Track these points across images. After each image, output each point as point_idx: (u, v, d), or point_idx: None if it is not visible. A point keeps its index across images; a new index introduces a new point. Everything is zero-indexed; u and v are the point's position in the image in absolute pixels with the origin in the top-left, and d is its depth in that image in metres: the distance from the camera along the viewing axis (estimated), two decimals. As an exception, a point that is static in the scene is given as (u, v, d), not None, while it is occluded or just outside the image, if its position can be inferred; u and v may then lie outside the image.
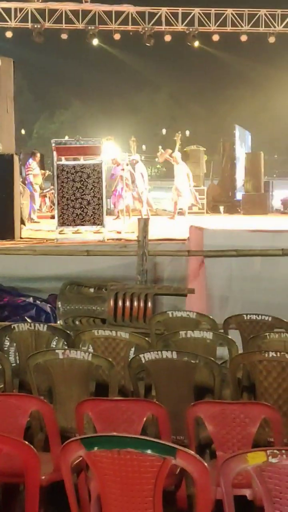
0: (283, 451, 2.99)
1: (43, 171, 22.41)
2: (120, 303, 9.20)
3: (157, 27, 24.99)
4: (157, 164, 59.57)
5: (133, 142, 20.11)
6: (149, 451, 3.09)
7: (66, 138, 25.31)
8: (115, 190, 19.08)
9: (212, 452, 4.61)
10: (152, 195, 27.54)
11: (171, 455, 3.07)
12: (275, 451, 3.00)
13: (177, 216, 18.91)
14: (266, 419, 4.42)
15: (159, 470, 3.11)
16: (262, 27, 25.08)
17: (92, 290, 9.62)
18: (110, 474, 3.20)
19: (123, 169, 16.85)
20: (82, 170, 12.58)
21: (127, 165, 17.32)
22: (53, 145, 13.17)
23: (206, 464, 3.12)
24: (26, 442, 3.36)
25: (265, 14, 24.95)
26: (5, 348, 6.71)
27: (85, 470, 4.23)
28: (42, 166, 23.42)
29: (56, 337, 6.69)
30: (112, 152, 19.26)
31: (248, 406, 4.41)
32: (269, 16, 24.95)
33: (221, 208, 25.54)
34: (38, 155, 21.26)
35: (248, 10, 25.19)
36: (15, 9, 24.43)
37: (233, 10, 25.14)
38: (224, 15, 25.06)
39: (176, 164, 19.73)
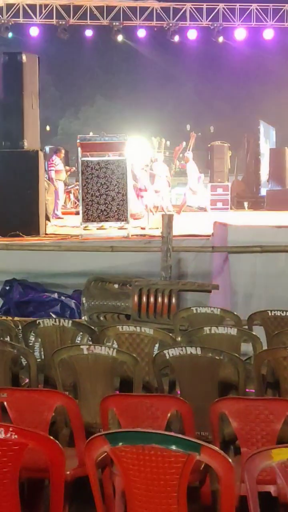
0: (308, 448, 2.99)
1: (68, 167, 22.47)
2: (144, 299, 9.21)
3: (181, 22, 24.96)
4: (182, 160, 59.54)
5: (157, 140, 20.04)
6: (173, 447, 3.09)
7: (91, 134, 25.39)
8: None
9: (236, 448, 4.61)
10: (176, 191, 27.48)
11: (196, 451, 3.08)
12: (299, 447, 3.00)
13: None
14: (290, 416, 4.41)
15: (184, 466, 3.12)
16: (287, 22, 24.95)
17: (116, 286, 9.65)
18: (135, 469, 3.21)
19: (142, 168, 16.83)
20: (106, 166, 12.59)
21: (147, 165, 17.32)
22: (78, 141, 13.21)
23: (230, 460, 3.12)
24: (51, 437, 3.38)
25: (290, 9, 24.85)
26: (30, 344, 6.76)
27: (110, 465, 4.25)
28: (66, 162, 23.48)
29: (81, 333, 6.72)
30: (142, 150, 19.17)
31: (272, 403, 4.40)
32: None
33: (246, 204, 25.46)
34: (63, 151, 21.31)
35: (273, 5, 25.06)
36: (40, 6, 24.51)
37: (258, 5, 25.04)
38: (249, 10, 24.97)
39: (186, 163, 19.59)
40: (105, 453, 3.34)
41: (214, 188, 24.03)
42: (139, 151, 18.34)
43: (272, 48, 30.65)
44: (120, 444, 3.19)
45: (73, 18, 24.73)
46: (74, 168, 22.34)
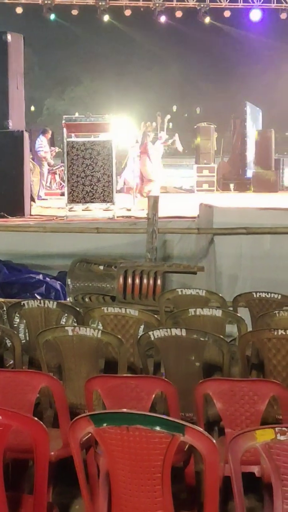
0: (292, 429, 3.00)
1: (52, 148, 22.37)
2: (129, 280, 9.21)
3: (168, 3, 24.82)
4: (168, 142, 59.34)
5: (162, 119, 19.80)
6: (157, 428, 3.10)
7: (77, 115, 25.26)
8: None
9: (220, 429, 4.63)
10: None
11: (180, 431, 3.08)
12: (283, 428, 3.01)
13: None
14: (274, 397, 4.43)
15: (168, 447, 3.12)
16: (274, 3, 24.86)
17: (101, 267, 9.63)
18: (119, 450, 3.22)
19: (132, 147, 16.78)
20: (92, 147, 12.54)
21: (137, 142, 17.26)
22: (63, 122, 13.14)
23: (214, 441, 3.13)
24: (35, 418, 3.37)
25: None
26: (15, 325, 6.74)
27: (94, 446, 4.25)
28: (52, 143, 23.37)
29: (66, 314, 6.72)
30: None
31: (256, 384, 4.42)
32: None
33: (232, 185, 25.46)
34: (50, 132, 21.22)
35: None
36: (25, -15, 24.31)
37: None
38: (236, -10, 24.89)
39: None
40: (90, 434, 3.34)
41: (200, 169, 24.02)
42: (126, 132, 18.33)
43: (259, 29, 30.61)
44: (105, 425, 3.19)
45: (58, -3, 24.55)
46: (58, 149, 22.25)
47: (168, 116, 20.84)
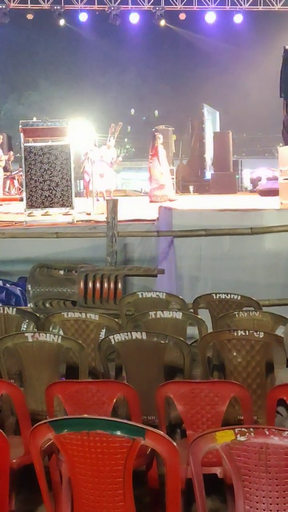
0: (251, 429, 3.01)
1: (8, 153, 22.24)
2: (90, 285, 9.19)
3: (123, 6, 24.83)
4: (126, 145, 59.42)
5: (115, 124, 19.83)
6: (118, 432, 3.10)
7: (34, 119, 25.14)
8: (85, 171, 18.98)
9: (182, 432, 4.64)
10: (121, 176, 27.41)
11: (140, 435, 3.09)
12: (243, 429, 3.03)
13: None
14: (235, 398, 4.45)
15: (129, 451, 3.12)
16: (228, 5, 25.01)
17: (62, 272, 9.59)
18: (80, 456, 3.21)
19: (91, 150, 16.77)
20: (50, 151, 12.49)
21: (95, 145, 17.25)
22: (20, 126, 13.05)
23: (175, 443, 3.13)
24: (-5, 426, 3.36)
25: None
26: (-25, 332, 6.69)
27: (56, 452, 4.23)
28: (10, 147, 23.26)
29: (26, 320, 6.69)
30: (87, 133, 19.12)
31: (217, 385, 4.43)
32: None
33: (191, 187, 25.57)
34: (1, 137, 21.08)
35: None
36: (-21, -10, 24.17)
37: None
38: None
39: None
40: (51, 441, 3.32)
41: (159, 172, 24.03)
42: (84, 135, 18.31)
43: (214, 31, 30.75)
44: (65, 431, 3.18)
45: (13, 2, 24.42)
46: (11, 153, 22.09)
47: (121, 123, 20.82)
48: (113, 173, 18.80)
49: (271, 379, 5.25)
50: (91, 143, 18.27)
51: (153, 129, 25.88)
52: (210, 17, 25.42)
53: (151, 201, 17.67)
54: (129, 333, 5.31)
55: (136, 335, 5.27)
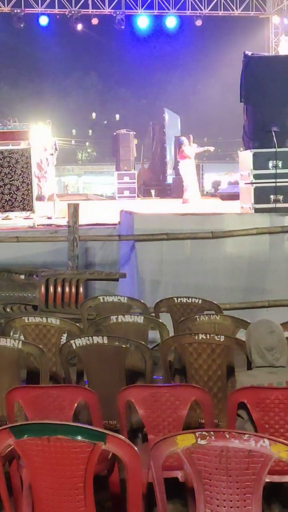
0: (212, 433, 3.02)
1: None
2: (51, 289, 9.16)
3: (83, 10, 24.77)
4: (88, 149, 59.32)
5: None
6: (79, 437, 3.09)
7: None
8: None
9: (144, 436, 4.64)
10: (83, 180, 27.39)
11: (101, 440, 3.08)
12: (203, 433, 3.04)
13: None
14: (196, 401, 4.46)
15: (89, 456, 3.12)
16: (189, 10, 25.10)
17: (23, 276, 9.54)
18: (41, 461, 3.19)
19: (51, 154, 16.68)
20: (10, 155, 12.42)
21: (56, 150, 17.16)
22: (-20, 130, 12.99)
23: (136, 448, 3.13)
24: None
25: (192, -3, 25.00)
26: None
27: (17, 458, 4.20)
28: None
29: (-14, 325, 6.64)
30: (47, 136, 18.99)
31: (178, 389, 4.44)
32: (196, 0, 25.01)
33: (153, 191, 25.62)
34: None
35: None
36: None
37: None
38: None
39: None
40: (11, 446, 3.30)
41: (120, 176, 24.09)
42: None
43: (175, 36, 30.87)
44: (25, 436, 3.17)
45: (-27, 4, 24.25)
46: None
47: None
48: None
49: (232, 382, 5.28)
50: (51, 147, 18.17)
51: (114, 133, 25.93)
52: (171, 22, 25.48)
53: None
54: (90, 338, 5.30)
55: (97, 339, 5.27)
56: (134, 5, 24.86)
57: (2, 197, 12.38)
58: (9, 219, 13.13)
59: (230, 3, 25.19)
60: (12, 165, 12.37)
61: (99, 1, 24.69)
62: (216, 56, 41.24)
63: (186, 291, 8.45)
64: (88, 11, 24.79)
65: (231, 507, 3.10)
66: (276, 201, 11.01)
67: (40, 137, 17.23)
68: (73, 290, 9.16)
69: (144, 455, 3.42)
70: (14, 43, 48.61)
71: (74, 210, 9.90)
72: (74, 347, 5.33)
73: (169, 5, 25.01)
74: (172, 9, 25.08)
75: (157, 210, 14.80)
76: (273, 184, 11.04)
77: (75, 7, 24.59)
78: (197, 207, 15.89)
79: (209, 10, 25.09)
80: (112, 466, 4.19)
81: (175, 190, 22.94)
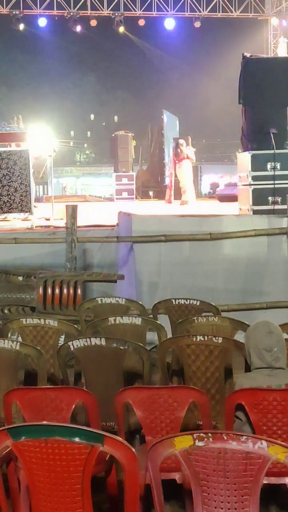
0: (209, 434, 3.02)
1: None
2: (49, 290, 9.16)
3: (82, 12, 24.79)
4: (86, 150, 59.33)
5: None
6: (76, 439, 3.08)
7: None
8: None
9: (141, 437, 4.64)
10: (81, 181, 27.38)
11: (99, 442, 3.07)
12: (201, 434, 3.03)
13: None
14: (194, 403, 4.45)
15: (87, 458, 3.11)
16: (187, 11, 25.12)
17: (20, 278, 9.54)
18: (38, 463, 3.19)
19: (50, 156, 16.69)
20: (8, 157, 12.41)
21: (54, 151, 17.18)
22: (-22, 132, 12.99)
23: (133, 449, 3.12)
24: None
25: (190, -1, 25.03)
26: None
27: (14, 460, 4.20)
28: None
29: (-16, 327, 6.63)
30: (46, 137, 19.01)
31: (176, 390, 4.44)
32: (195, 1, 25.01)
33: (151, 193, 25.61)
34: None
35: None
36: None
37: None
38: (150, -1, 25.06)
39: None
40: (9, 448, 3.29)
41: (119, 178, 24.10)
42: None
43: (174, 37, 30.87)
44: (23, 438, 3.16)
45: None
46: None
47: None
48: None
49: (230, 384, 5.27)
50: (50, 148, 18.17)
51: (112, 135, 25.94)
52: (169, 24, 25.50)
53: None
54: (88, 339, 5.30)
55: (95, 341, 5.26)
56: (133, 6, 24.88)
57: (0, 198, 12.37)
58: (7, 220, 13.12)
59: (229, 5, 25.23)
60: (10, 167, 12.35)
61: (98, 3, 24.70)
62: (214, 57, 41.19)
63: (184, 293, 8.45)
64: (87, 13, 24.83)
65: (228, 509, 3.10)
66: (274, 202, 11.01)
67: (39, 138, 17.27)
68: (71, 291, 9.17)
69: (142, 457, 3.41)
70: (12, 45, 48.60)
71: (72, 212, 9.90)
72: (72, 349, 5.33)
73: (167, 6, 25.02)
74: (170, 10, 25.10)
75: (155, 211, 14.79)
76: (271, 186, 11.03)
77: (73, 8, 24.63)
78: (195, 209, 15.90)
79: (207, 12, 25.12)
80: (109, 468, 4.19)
81: (174, 192, 22.91)
